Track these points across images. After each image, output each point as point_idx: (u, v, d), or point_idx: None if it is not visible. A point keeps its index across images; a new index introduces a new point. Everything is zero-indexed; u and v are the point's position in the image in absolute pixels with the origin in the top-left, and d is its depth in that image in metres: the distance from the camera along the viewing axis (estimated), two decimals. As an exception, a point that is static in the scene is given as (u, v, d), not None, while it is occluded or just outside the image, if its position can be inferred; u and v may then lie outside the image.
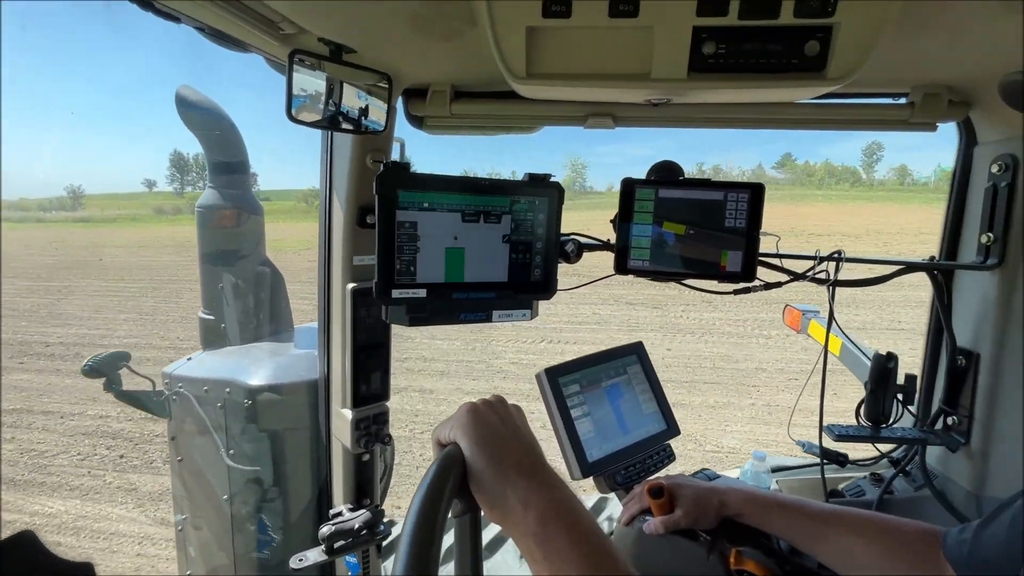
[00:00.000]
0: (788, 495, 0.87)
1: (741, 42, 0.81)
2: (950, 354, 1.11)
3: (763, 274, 1.08)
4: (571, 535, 0.42)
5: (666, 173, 1.08)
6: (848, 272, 1.08)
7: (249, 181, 1.82)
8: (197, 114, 1.73)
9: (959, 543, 0.66)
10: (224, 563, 1.67)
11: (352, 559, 1.31)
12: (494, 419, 0.52)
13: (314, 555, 1.21)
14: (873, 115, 1.04)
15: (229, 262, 1.75)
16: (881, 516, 0.79)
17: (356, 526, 1.25)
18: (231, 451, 1.54)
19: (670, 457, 1.11)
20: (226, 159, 1.73)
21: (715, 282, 1.05)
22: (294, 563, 1.19)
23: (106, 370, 1.73)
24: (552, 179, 0.99)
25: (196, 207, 1.80)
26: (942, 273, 1.11)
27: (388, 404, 1.29)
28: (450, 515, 0.50)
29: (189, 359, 1.77)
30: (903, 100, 1.04)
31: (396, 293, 0.89)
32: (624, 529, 0.95)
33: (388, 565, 1.66)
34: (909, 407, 1.16)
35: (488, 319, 0.98)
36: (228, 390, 1.51)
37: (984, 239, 1.03)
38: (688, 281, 1.09)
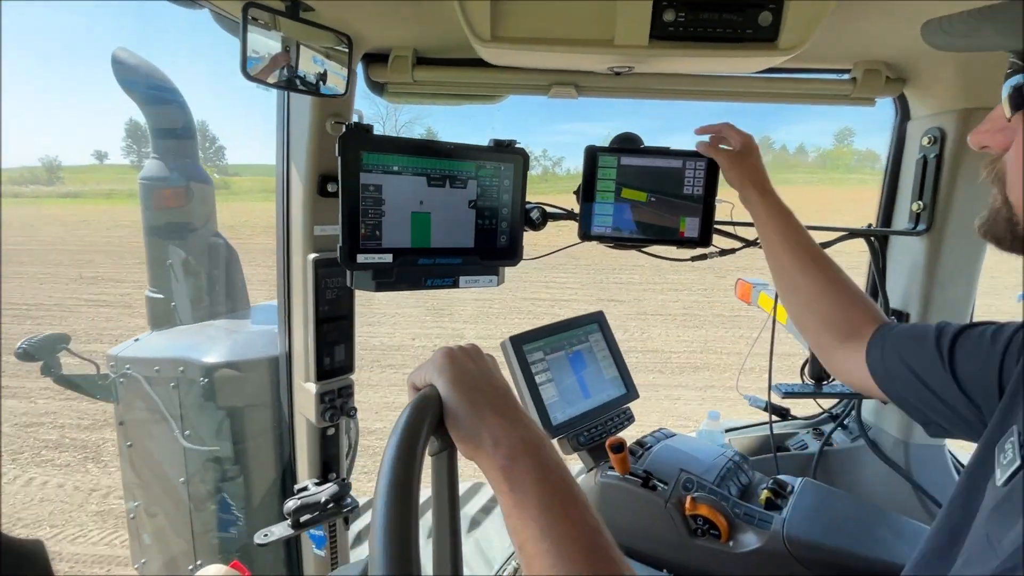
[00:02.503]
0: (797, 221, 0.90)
1: (699, 11, 0.84)
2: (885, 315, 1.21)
3: (719, 241, 1.13)
4: (537, 470, 0.44)
5: (628, 143, 1.11)
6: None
7: (196, 149, 1.72)
8: (136, 78, 1.62)
9: (887, 335, 0.72)
10: (183, 548, 1.62)
11: (318, 532, 1.30)
12: (469, 362, 0.53)
13: (279, 530, 1.20)
14: (819, 89, 1.10)
15: (177, 236, 1.66)
16: (846, 274, 0.84)
17: (323, 499, 1.24)
18: (187, 432, 1.48)
19: (630, 419, 1.16)
20: (169, 126, 1.63)
21: (674, 249, 1.09)
22: (259, 538, 1.17)
23: (42, 354, 1.61)
24: (517, 145, 1.00)
25: (139, 178, 1.69)
26: (878, 239, 1.20)
27: (353, 377, 1.28)
28: (428, 453, 0.51)
29: (136, 340, 1.68)
30: (846, 76, 1.10)
31: (362, 258, 0.88)
32: (587, 484, 0.99)
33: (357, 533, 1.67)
34: (847, 365, 1.26)
35: (455, 285, 0.98)
36: (182, 369, 1.45)
37: (915, 207, 1.12)
38: (648, 250, 1.13)
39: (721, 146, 0.99)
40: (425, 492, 0.48)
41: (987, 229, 0.47)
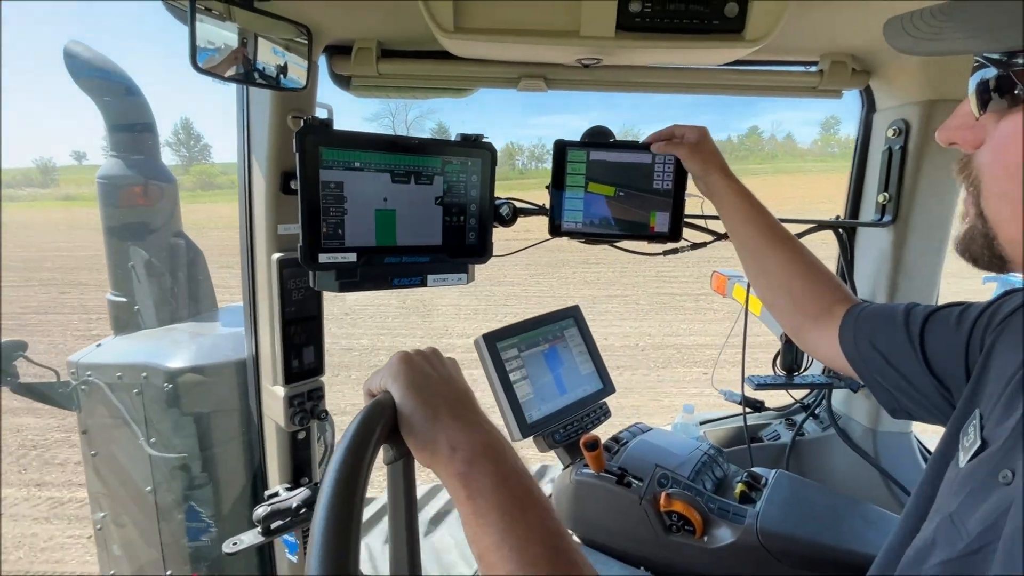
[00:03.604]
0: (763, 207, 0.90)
1: (666, 2, 0.83)
2: None
3: (691, 235, 1.13)
4: (495, 476, 0.42)
5: (599, 137, 1.09)
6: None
7: (157, 147, 1.65)
8: (90, 72, 1.55)
9: (858, 315, 0.72)
10: (153, 558, 1.57)
11: (291, 538, 1.27)
12: (426, 366, 0.51)
13: (249, 537, 1.16)
14: (786, 82, 1.10)
15: (138, 237, 1.60)
16: (817, 259, 0.84)
17: (294, 505, 1.21)
18: (152, 439, 1.43)
19: (606, 414, 1.16)
20: (127, 122, 1.56)
21: (645, 243, 1.08)
22: (227, 547, 1.14)
23: (-3, 362, 1.54)
24: (484, 139, 0.98)
25: (96, 178, 1.62)
26: (846, 231, 1.21)
27: (323, 379, 1.24)
28: (383, 462, 0.49)
29: (98, 345, 1.62)
30: (813, 68, 1.11)
31: (324, 258, 0.85)
32: (563, 482, 0.98)
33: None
34: (818, 356, 1.27)
35: (423, 283, 0.96)
36: (145, 375, 1.39)
37: (881, 199, 1.13)
38: (621, 244, 1.12)
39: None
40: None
41: (963, 248, 0.45)
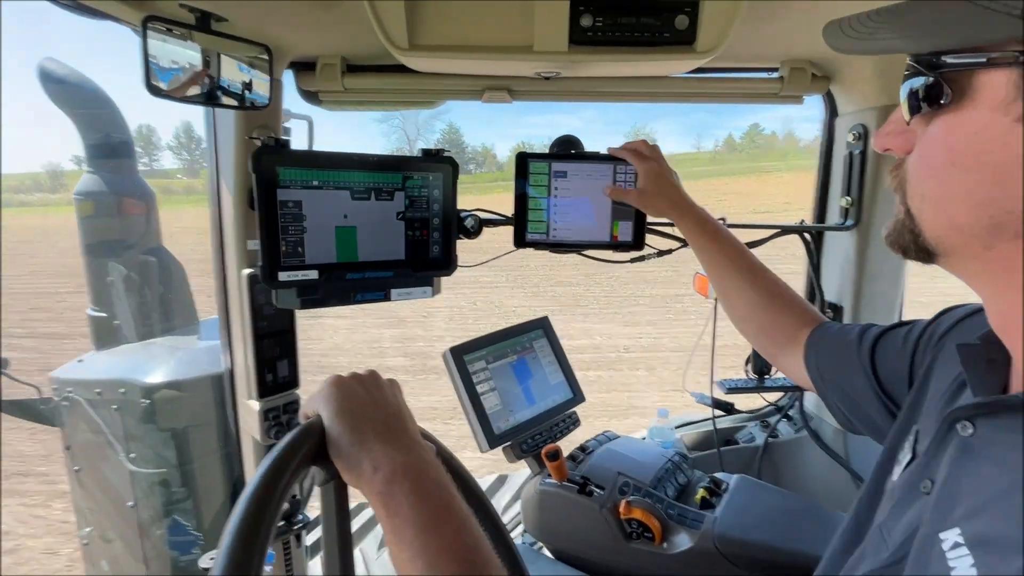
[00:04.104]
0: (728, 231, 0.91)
1: (616, 15, 0.84)
2: (820, 308, 1.24)
3: (658, 243, 1.14)
4: (414, 493, 0.43)
5: (566, 147, 1.10)
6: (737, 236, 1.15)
7: (134, 162, 1.66)
8: (65, 90, 1.56)
9: (820, 337, 0.74)
10: (139, 572, 1.58)
11: (269, 550, 1.28)
12: (358, 389, 0.52)
13: (226, 551, 1.17)
14: (747, 88, 1.11)
15: (117, 253, 1.61)
16: (779, 280, 0.86)
17: (271, 518, 1.22)
18: (132, 455, 1.44)
19: (575, 423, 1.16)
20: (104, 140, 1.57)
21: (611, 252, 1.09)
22: (204, 562, 1.15)
23: (-22, 379, 1.55)
24: (446, 154, 0.99)
25: (74, 194, 1.63)
26: (812, 235, 1.22)
27: (299, 392, 1.25)
28: (316, 484, 0.51)
29: (80, 360, 1.63)
30: (775, 75, 1.12)
31: (284, 276, 0.86)
32: (529, 492, 0.99)
33: (314, 564, 1.65)
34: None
35: (386, 298, 0.97)
36: (123, 390, 1.40)
37: (844, 203, 1.14)
38: (588, 253, 1.13)
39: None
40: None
41: (893, 239, 0.47)
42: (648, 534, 0.87)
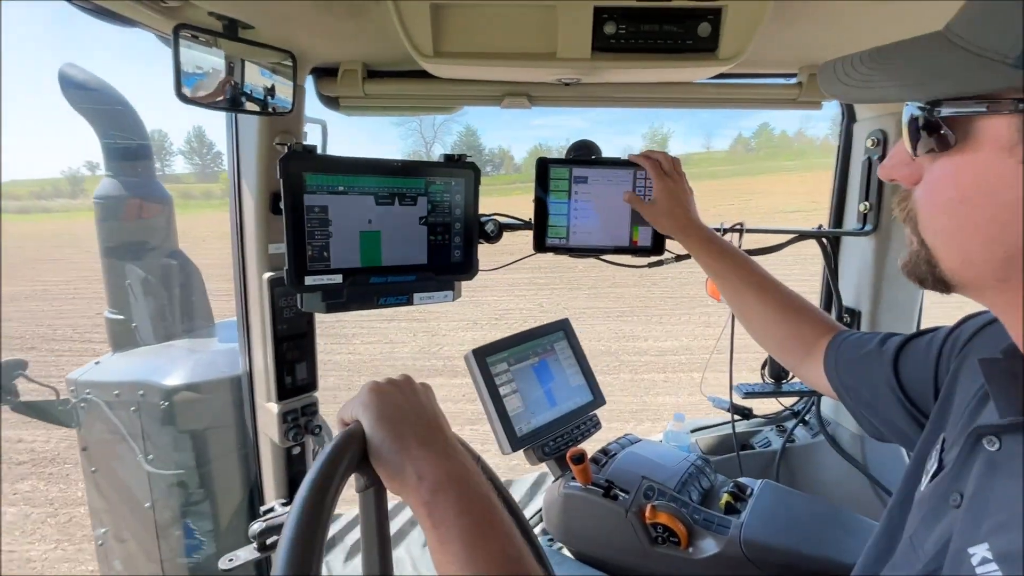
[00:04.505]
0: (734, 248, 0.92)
1: (640, 23, 0.84)
2: (838, 314, 1.24)
3: (678, 248, 1.14)
4: (459, 504, 0.44)
5: (584, 152, 1.11)
6: (754, 241, 1.16)
7: (152, 166, 1.68)
8: (85, 95, 1.57)
9: (839, 346, 0.74)
10: (154, 573, 1.59)
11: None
12: (396, 395, 0.52)
13: (245, 553, 1.17)
14: (765, 94, 1.11)
15: (135, 256, 1.62)
16: (790, 292, 0.86)
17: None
18: (150, 456, 1.45)
19: (596, 426, 1.17)
20: (123, 144, 1.59)
21: (629, 256, 1.10)
22: (223, 564, 1.15)
23: (-2, 380, 1.56)
24: (468, 159, 0.99)
25: (94, 198, 1.65)
26: (829, 240, 1.22)
27: (316, 395, 1.26)
28: (356, 490, 0.51)
29: (97, 362, 1.64)
30: (792, 80, 1.12)
31: (309, 280, 0.87)
32: (552, 494, 0.99)
33: (331, 560, 1.65)
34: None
35: (409, 302, 0.97)
36: (142, 392, 1.41)
37: (862, 208, 1.14)
38: (606, 258, 1.13)
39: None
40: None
41: (910, 270, 0.47)
42: (674, 539, 0.87)
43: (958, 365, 0.56)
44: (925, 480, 0.52)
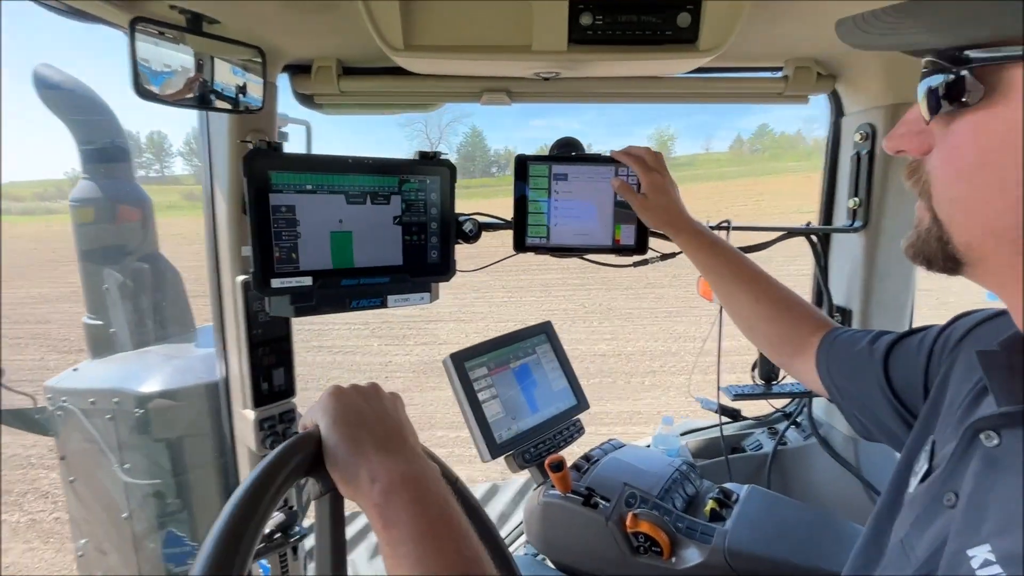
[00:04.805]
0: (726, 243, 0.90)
1: (617, 13, 0.82)
2: (828, 312, 1.21)
3: (662, 246, 1.11)
4: (413, 504, 0.42)
5: (567, 149, 1.08)
6: (742, 239, 1.13)
7: (131, 168, 1.64)
8: (60, 96, 1.54)
9: (831, 343, 0.72)
10: (134, 585, 1.56)
11: (265, 563, 1.25)
12: (358, 400, 0.50)
13: (221, 565, 1.14)
14: (751, 88, 1.08)
15: (113, 260, 1.59)
16: (782, 287, 0.84)
17: (268, 530, 1.19)
18: (126, 465, 1.41)
19: (580, 431, 1.13)
20: (100, 145, 1.56)
21: (613, 256, 1.07)
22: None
23: (-27, 389, 1.53)
24: (443, 156, 0.96)
25: (70, 200, 1.61)
26: (819, 237, 1.19)
27: (295, 401, 1.23)
28: (311, 497, 0.49)
29: (75, 369, 1.61)
30: (778, 74, 1.09)
31: (276, 283, 0.84)
32: (532, 503, 0.96)
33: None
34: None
35: (383, 304, 0.94)
36: (116, 400, 1.38)
37: (851, 204, 1.11)
38: (590, 257, 1.10)
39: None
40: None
41: (916, 250, 0.44)
42: (656, 548, 0.84)
43: (949, 364, 0.54)
44: (914, 482, 0.50)
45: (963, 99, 0.36)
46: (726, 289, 0.85)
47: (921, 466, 0.49)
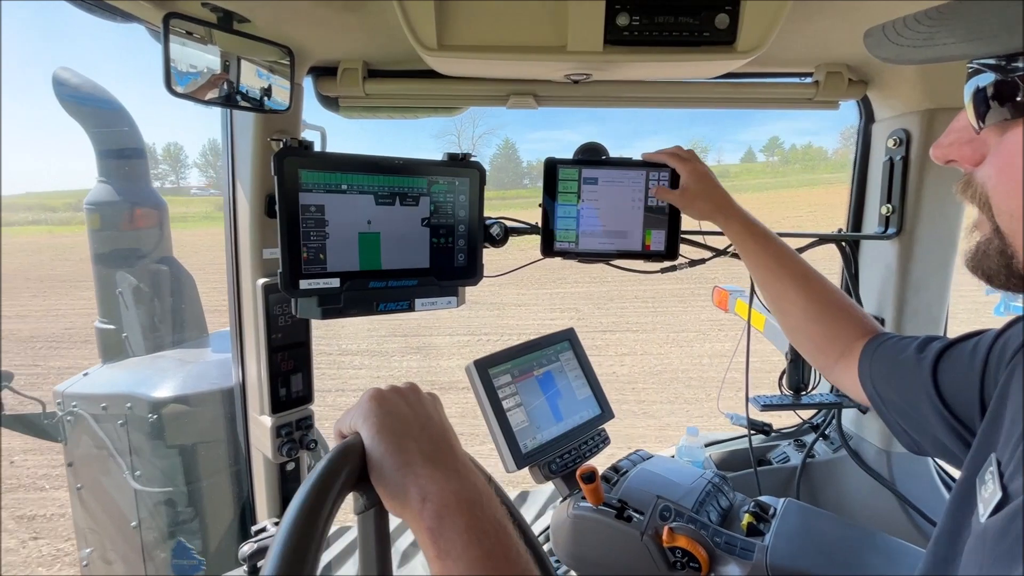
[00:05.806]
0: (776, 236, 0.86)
1: (654, 14, 0.80)
2: None
3: (688, 252, 1.09)
4: (469, 531, 0.38)
5: (592, 153, 1.07)
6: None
7: (147, 172, 1.64)
8: (79, 99, 1.54)
9: (876, 349, 0.69)
10: (139, 597, 1.52)
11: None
12: (401, 405, 0.47)
13: (234, 577, 1.11)
14: (781, 93, 1.07)
15: (126, 264, 1.57)
16: (832, 287, 0.81)
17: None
18: (137, 472, 1.39)
19: (605, 441, 1.10)
20: (116, 148, 1.55)
21: (641, 261, 1.05)
22: (211, 588, 1.09)
23: (-18, 393, 1.51)
24: (472, 158, 0.95)
25: (85, 204, 1.61)
26: (849, 244, 1.17)
27: (312, 407, 1.20)
28: (354, 512, 0.45)
29: (85, 374, 1.59)
30: (809, 79, 1.08)
31: (304, 284, 0.82)
32: (560, 516, 0.93)
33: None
34: (825, 374, 1.22)
35: (410, 308, 0.92)
36: (129, 405, 1.35)
37: (884, 210, 1.09)
38: (616, 261, 1.08)
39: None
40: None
41: (976, 264, 0.41)
42: (694, 564, 0.80)
43: (1008, 376, 0.51)
44: (984, 511, 0.45)
45: (1015, 100, 0.34)
46: (775, 285, 0.82)
47: (991, 492, 0.45)
